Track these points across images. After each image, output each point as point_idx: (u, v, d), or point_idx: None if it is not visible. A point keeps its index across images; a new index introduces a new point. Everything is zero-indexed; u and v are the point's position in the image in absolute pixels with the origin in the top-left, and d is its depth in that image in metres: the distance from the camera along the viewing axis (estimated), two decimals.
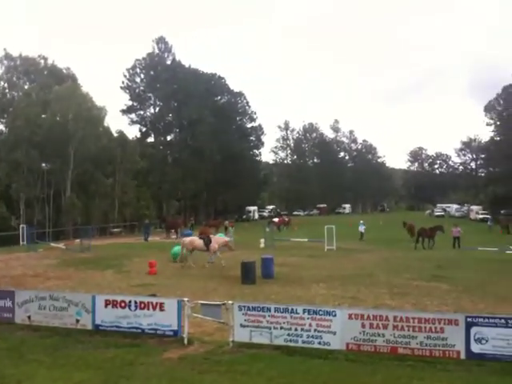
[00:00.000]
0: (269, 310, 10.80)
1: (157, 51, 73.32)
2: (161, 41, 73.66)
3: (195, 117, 69.01)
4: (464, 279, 19.79)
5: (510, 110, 79.63)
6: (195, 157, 69.26)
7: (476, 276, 20.80)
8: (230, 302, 11.15)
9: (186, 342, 11.04)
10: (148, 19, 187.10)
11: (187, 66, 75.94)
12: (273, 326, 10.68)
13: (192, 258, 24.03)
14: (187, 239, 25.12)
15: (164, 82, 69.92)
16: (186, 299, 11.35)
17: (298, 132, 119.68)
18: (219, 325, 11.44)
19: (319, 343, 10.40)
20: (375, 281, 19.62)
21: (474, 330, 9.70)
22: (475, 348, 9.68)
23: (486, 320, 9.79)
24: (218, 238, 25.47)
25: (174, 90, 69.82)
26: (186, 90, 69.32)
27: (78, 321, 12.24)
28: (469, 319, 9.82)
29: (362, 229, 43.45)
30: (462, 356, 9.74)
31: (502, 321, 9.68)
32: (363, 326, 10.20)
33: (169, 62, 73.40)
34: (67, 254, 30.85)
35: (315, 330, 10.43)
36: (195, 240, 24.60)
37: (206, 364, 9.77)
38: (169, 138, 76.24)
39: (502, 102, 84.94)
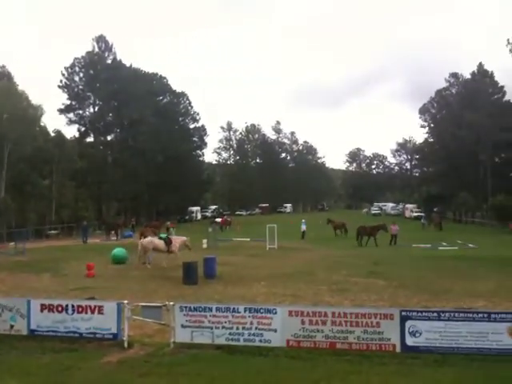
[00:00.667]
0: (210, 309, 10.79)
1: (97, 50, 71.63)
2: (101, 39, 71.96)
3: (136, 117, 67.86)
4: (399, 275, 20.53)
5: (443, 113, 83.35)
6: (136, 157, 68.14)
7: (410, 272, 21.63)
8: (171, 303, 11.05)
9: (125, 345, 10.83)
10: (89, 18, 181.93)
11: (128, 65, 74.59)
12: (214, 325, 10.67)
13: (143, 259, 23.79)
14: (146, 240, 24.78)
15: (104, 81, 68.30)
16: (125, 301, 11.15)
17: (240, 133, 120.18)
18: (160, 326, 11.32)
19: (260, 341, 10.49)
20: (315, 278, 20.02)
21: (408, 323, 10.03)
22: (410, 341, 10.00)
23: (420, 314, 10.16)
24: (177, 238, 25.34)
25: (115, 90, 68.32)
26: (126, 89, 67.99)
27: (12, 326, 11.74)
28: (403, 313, 10.15)
29: (303, 227, 44.20)
30: (398, 349, 10.05)
31: (435, 314, 10.09)
32: (303, 322, 10.37)
33: (109, 61, 71.80)
34: (0, 257, 29.55)
35: (256, 328, 10.50)
36: (155, 240, 24.33)
37: (146, 366, 9.64)
38: (109, 138, 74.51)
39: (435, 104, 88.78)
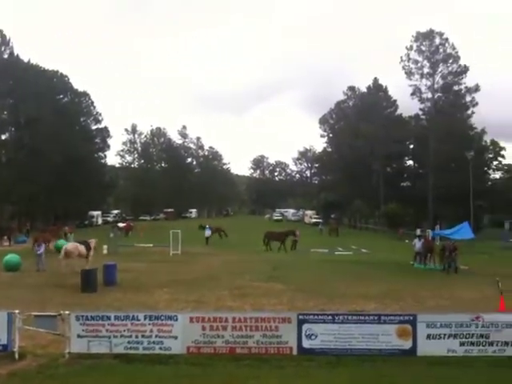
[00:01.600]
0: (108, 318, 10.50)
1: None
2: None
3: (34, 115, 64.06)
4: (297, 279, 21.26)
5: (341, 124, 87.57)
6: (33, 158, 64.30)
7: (308, 276, 22.47)
8: (67, 312, 10.62)
9: (17, 356, 10.26)
10: None
11: (26, 61, 70.38)
12: (112, 334, 10.40)
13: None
14: (70, 245, 24.16)
15: None
16: (16, 311, 10.54)
17: (145, 136, 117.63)
18: (54, 337, 10.82)
19: (160, 348, 10.39)
20: (218, 283, 20.17)
21: (305, 326, 10.39)
22: (306, 344, 10.37)
23: (316, 317, 10.58)
24: (92, 242, 25.13)
25: (11, 86, 64.14)
26: (24, 86, 63.98)
27: None
28: (300, 317, 10.51)
29: (207, 233, 44.28)
30: (295, 352, 10.37)
31: (330, 317, 10.55)
32: (204, 328, 10.41)
33: (6, 56, 67.39)
34: None
35: (156, 336, 10.39)
36: (79, 246, 23.81)
37: (39, 378, 9.19)
38: (3, 137, 69.84)
39: (334, 116, 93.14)
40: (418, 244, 28.37)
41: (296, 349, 10.37)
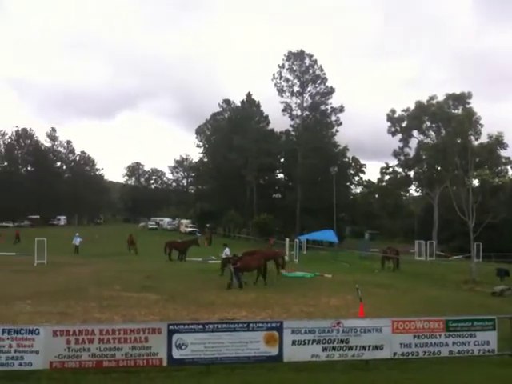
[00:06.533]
0: None
1: None
2: None
3: None
4: (170, 289, 21.17)
5: (217, 136, 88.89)
6: None
7: (181, 285, 22.44)
8: None
9: None
10: None
11: None
12: None
13: None
14: None
15: None
16: None
17: (10, 137, 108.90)
18: None
19: (20, 364, 9.80)
20: (86, 294, 19.39)
21: (175, 336, 10.38)
22: (176, 354, 10.35)
23: (186, 326, 10.62)
24: None
25: None
26: None
27: None
28: (171, 327, 10.49)
29: (76, 241, 42.24)
30: (164, 363, 10.31)
31: (200, 326, 10.65)
32: (68, 342, 10.00)
33: None
34: None
35: (16, 351, 9.79)
36: None
37: None
38: None
39: (210, 127, 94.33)
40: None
41: (166, 360, 10.33)
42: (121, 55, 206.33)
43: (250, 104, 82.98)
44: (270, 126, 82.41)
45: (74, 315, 15.38)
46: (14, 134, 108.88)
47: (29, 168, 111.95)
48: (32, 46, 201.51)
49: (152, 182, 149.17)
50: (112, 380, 9.67)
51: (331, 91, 75.53)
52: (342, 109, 75.67)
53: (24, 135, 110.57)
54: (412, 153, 67.70)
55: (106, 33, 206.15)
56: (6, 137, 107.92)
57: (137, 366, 10.22)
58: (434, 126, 66.57)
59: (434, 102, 65.04)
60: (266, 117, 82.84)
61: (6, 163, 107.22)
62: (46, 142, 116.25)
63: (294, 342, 10.76)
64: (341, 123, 76.16)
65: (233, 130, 79.19)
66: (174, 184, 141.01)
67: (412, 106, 66.29)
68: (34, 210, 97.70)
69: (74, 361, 10.01)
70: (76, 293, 19.64)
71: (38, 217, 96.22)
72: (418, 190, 74.79)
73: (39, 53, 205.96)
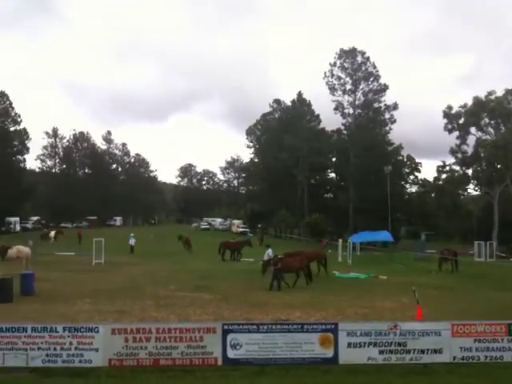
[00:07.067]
0: (25, 330, 10.06)
1: None
2: None
3: None
4: (223, 289, 21.31)
5: (267, 136, 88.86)
6: None
7: (234, 285, 22.56)
8: None
9: None
10: None
11: None
12: (29, 347, 9.98)
13: None
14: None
15: None
16: None
17: (68, 140, 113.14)
18: None
19: (80, 361, 10.07)
20: (142, 293, 19.80)
21: (230, 336, 10.39)
22: (231, 354, 10.36)
23: (241, 326, 10.61)
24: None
25: None
26: None
27: None
28: (225, 327, 10.51)
29: (132, 242, 43.34)
30: (219, 362, 10.34)
31: (254, 327, 10.62)
32: (126, 340, 10.19)
33: None
34: None
35: (76, 349, 10.07)
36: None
37: None
38: None
39: (260, 127, 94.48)
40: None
41: (221, 359, 10.35)
42: (173, 58, 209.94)
43: (301, 103, 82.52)
44: (321, 125, 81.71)
45: (131, 313, 15.70)
46: (71, 137, 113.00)
47: (86, 170, 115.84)
48: (88, 51, 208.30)
49: (204, 182, 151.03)
50: (168, 378, 9.75)
51: (384, 88, 73.95)
52: (395, 106, 73.90)
53: (81, 138, 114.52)
54: (470, 150, 65.66)
55: (158, 36, 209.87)
56: (65, 140, 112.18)
57: (192, 364, 10.28)
58: (492, 122, 64.15)
59: (492, 97, 62.69)
60: (318, 116, 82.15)
61: (64, 166, 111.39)
62: (102, 144, 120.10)
63: (349, 345, 10.59)
64: (395, 121, 74.39)
65: (283, 129, 78.95)
66: (225, 185, 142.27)
67: (469, 102, 64.17)
68: (91, 211, 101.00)
69: (131, 359, 10.19)
70: (133, 292, 20.10)
71: (96, 218, 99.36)
72: (476, 188, 72.53)
73: (95, 57, 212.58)
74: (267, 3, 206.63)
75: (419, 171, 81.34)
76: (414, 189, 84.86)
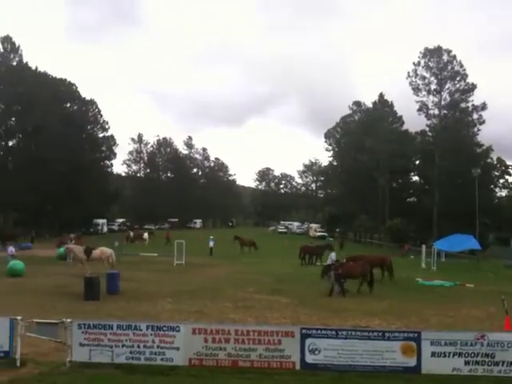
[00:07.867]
0: (111, 327, 10.44)
1: (2, 50, 68.09)
2: (6, 40, 68.70)
3: (40, 123, 64.54)
4: (300, 293, 21.12)
5: (347, 139, 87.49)
6: (39, 165, 64.56)
7: (310, 289, 22.28)
8: (69, 319, 10.57)
9: (18, 363, 10.22)
10: None
11: (34, 68, 71.24)
12: (114, 343, 10.33)
13: None
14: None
15: (7, 83, 64.57)
16: (19, 318, 10.51)
17: (151, 146, 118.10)
18: (56, 344, 10.76)
19: (162, 359, 10.30)
20: (221, 295, 20.10)
21: (308, 341, 10.23)
22: (309, 358, 10.20)
23: (319, 331, 10.42)
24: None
25: (19, 93, 64.65)
26: (31, 93, 64.51)
27: None
28: (304, 331, 10.36)
29: (211, 244, 44.26)
30: (297, 366, 10.21)
31: (333, 332, 10.38)
32: (206, 340, 10.31)
33: (14, 63, 68.33)
34: None
35: (158, 347, 10.31)
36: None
37: None
38: (10, 143, 70.58)
39: (339, 130, 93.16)
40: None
41: (299, 363, 10.23)
42: (250, 62, 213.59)
43: (383, 105, 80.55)
44: (404, 127, 79.27)
45: (211, 314, 15.96)
46: (155, 142, 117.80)
47: (168, 174, 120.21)
48: (170, 59, 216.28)
49: (281, 186, 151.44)
50: (247, 380, 9.73)
51: (472, 88, 70.39)
52: (484, 106, 70.07)
53: (164, 144, 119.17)
54: None
55: (236, 41, 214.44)
56: (149, 145, 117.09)
57: (270, 367, 10.22)
58: None
59: None
60: (400, 117, 79.79)
61: (148, 170, 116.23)
62: (183, 149, 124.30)
63: (433, 354, 10.09)
64: (483, 121, 70.47)
65: (364, 131, 77.34)
66: (302, 188, 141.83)
67: None
68: (172, 214, 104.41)
69: (211, 359, 10.29)
70: (212, 293, 20.46)
71: (177, 220, 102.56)
72: None
73: (176, 65, 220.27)
74: (346, 4, 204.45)
75: (510, 174, 76.71)
76: (504, 193, 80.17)
